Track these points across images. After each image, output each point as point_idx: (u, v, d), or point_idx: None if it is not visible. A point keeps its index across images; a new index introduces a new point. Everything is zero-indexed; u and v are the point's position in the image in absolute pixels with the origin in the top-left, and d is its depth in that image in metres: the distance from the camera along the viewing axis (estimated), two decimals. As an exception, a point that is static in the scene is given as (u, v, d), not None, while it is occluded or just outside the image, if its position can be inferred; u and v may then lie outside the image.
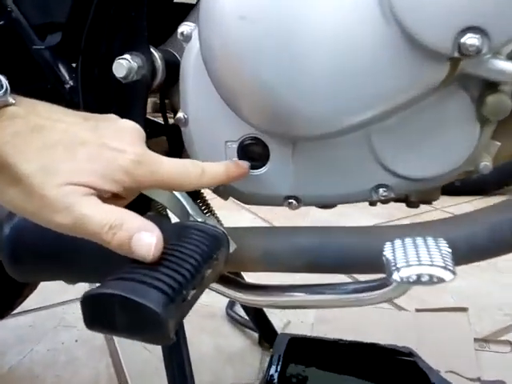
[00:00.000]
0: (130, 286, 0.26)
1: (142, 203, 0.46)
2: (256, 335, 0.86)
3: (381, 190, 0.39)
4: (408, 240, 0.32)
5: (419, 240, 0.32)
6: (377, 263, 0.37)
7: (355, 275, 0.93)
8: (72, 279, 0.44)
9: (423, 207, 1.66)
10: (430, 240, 0.32)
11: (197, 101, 0.41)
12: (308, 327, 0.84)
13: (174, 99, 0.46)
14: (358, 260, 0.38)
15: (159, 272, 0.27)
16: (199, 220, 0.39)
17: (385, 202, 0.42)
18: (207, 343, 0.86)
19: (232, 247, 0.37)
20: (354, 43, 0.31)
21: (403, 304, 0.90)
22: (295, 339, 0.69)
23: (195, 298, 0.29)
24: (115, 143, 0.30)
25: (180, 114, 0.42)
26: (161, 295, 0.26)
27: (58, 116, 0.30)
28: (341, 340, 0.68)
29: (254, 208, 1.51)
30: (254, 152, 0.41)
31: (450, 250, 0.31)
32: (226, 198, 0.46)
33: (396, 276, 0.29)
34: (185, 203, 0.41)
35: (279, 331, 0.82)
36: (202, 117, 0.42)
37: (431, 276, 0.28)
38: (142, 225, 0.28)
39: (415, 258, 0.30)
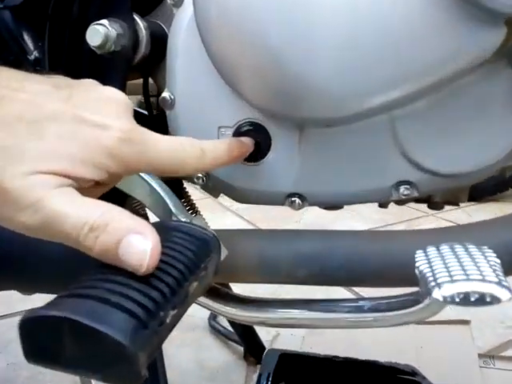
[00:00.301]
0: (87, 306, 0.19)
1: (113, 199, 0.39)
2: (241, 349, 0.79)
3: (402, 187, 0.33)
4: (445, 248, 0.26)
5: (459, 248, 0.26)
6: (399, 275, 0.30)
7: (357, 289, 0.87)
8: (26, 288, 0.37)
9: (416, 213, 1.62)
10: (473, 248, 0.25)
11: (186, 78, 0.35)
12: (298, 340, 0.77)
13: (159, 78, 0.40)
14: (376, 271, 0.31)
15: (130, 287, 0.21)
16: (184, 220, 0.32)
17: (402, 202, 0.36)
18: (187, 358, 0.78)
19: (223, 254, 0.30)
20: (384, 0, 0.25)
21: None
22: (286, 355, 0.62)
23: (175, 320, 0.22)
24: (96, 117, 0.23)
25: (165, 94, 0.35)
26: (129, 319, 0.19)
27: (21, 84, 0.23)
28: (336, 357, 0.61)
29: (241, 210, 1.45)
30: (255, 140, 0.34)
31: (498, 261, 0.24)
32: (216, 195, 0.39)
33: (437, 294, 0.23)
34: (167, 199, 0.34)
35: (267, 345, 0.76)
36: (192, 97, 0.35)
37: (483, 295, 0.22)
38: (134, 225, 0.21)
39: (460, 271, 0.23)
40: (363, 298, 0.30)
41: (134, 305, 0.20)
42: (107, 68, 0.35)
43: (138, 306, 0.20)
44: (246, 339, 0.76)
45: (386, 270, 0.30)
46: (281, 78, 0.27)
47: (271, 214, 1.42)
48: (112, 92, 0.26)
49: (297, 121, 0.32)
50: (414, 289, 0.30)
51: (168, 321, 0.21)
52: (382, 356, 0.62)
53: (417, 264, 0.25)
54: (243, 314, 0.35)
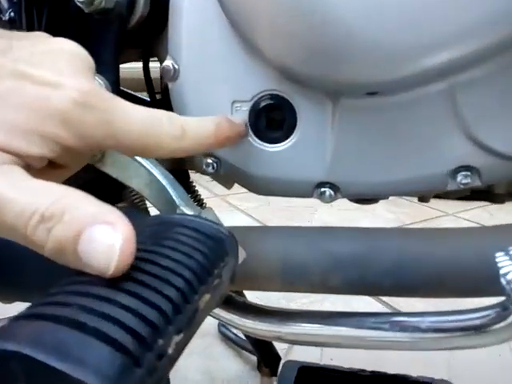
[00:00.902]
0: (53, 334, 0.13)
1: (107, 192, 0.33)
2: (254, 359, 0.72)
3: (462, 174, 0.26)
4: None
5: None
6: (467, 282, 0.24)
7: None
8: (5, 296, 0.31)
9: (434, 212, 1.54)
10: None
11: (193, 42, 0.29)
12: (316, 350, 0.71)
13: (161, 50, 0.34)
14: (433, 278, 0.25)
15: (115, 303, 0.15)
16: (191, 214, 0.26)
17: (457, 194, 0.30)
18: (195, 367, 0.72)
19: (241, 256, 0.24)
20: None
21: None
22: (306, 368, 0.56)
23: (181, 348, 0.16)
24: (44, 72, 0.18)
25: (168, 63, 0.29)
26: (114, 355, 0.13)
27: None
28: (363, 370, 0.55)
29: (250, 210, 1.38)
30: (274, 118, 0.28)
31: None
32: (229, 186, 0.33)
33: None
34: (169, 189, 0.28)
35: (282, 354, 0.69)
36: (200, 66, 0.29)
37: None
38: (98, 213, 0.16)
39: None
40: (421, 313, 0.23)
41: (121, 331, 0.14)
42: (97, 30, 0.29)
43: (127, 332, 0.14)
44: (260, 348, 0.70)
45: (447, 276, 0.24)
46: (321, 28, 0.21)
47: (281, 214, 1.35)
48: (67, 43, 0.20)
49: (332, 88, 0.25)
50: (483, 300, 0.24)
51: (170, 351, 0.15)
52: (409, 369, 0.55)
53: (503, 270, 0.19)
54: (264, 329, 0.29)
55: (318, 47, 0.22)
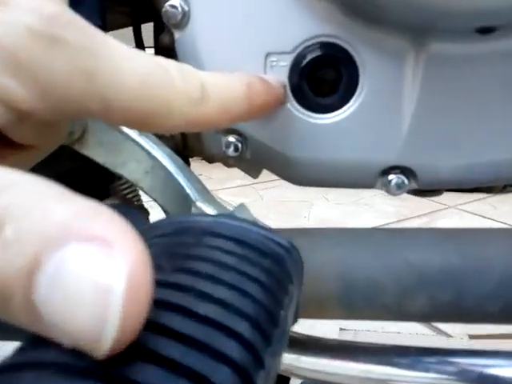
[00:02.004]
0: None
1: (90, 185, 0.25)
2: None
3: None
4: None
5: None
6: None
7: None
8: None
9: (435, 205, 1.49)
10: None
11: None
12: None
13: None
14: None
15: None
16: (217, 214, 0.18)
17: None
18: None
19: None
20: None
21: (449, 329, 0.71)
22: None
23: None
24: None
25: (174, 1, 0.21)
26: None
27: None
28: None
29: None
30: (324, 77, 0.20)
31: None
32: (256, 174, 0.24)
33: None
34: (180, 178, 0.20)
35: None
36: (219, 4, 0.20)
37: None
38: (76, 219, 0.07)
39: None
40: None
41: None
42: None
43: None
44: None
45: None
46: None
47: (276, 210, 1.28)
48: None
49: (421, 25, 0.17)
50: None
51: None
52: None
53: None
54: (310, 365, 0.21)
55: None
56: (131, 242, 0.07)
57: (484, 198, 1.37)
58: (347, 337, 0.59)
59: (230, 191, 1.33)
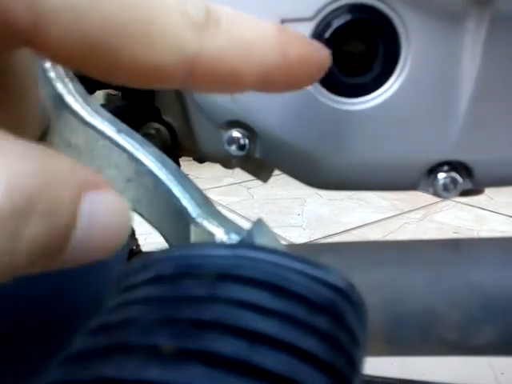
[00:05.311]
0: None
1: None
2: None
3: None
4: None
5: None
6: None
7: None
8: None
9: (430, 198, 1.46)
10: None
11: None
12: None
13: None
14: None
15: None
16: (226, 233, 0.13)
17: None
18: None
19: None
20: None
21: None
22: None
23: None
24: None
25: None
26: None
27: None
28: None
29: (234, 204, 1.26)
30: (355, 51, 0.16)
31: None
32: (266, 177, 0.20)
33: None
34: (174, 187, 0.15)
35: None
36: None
37: None
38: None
39: None
40: None
41: None
42: None
43: None
44: None
45: None
46: None
47: (268, 208, 1.24)
48: None
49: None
50: None
51: None
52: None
53: None
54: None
55: None
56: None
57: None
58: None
59: (219, 190, 1.28)
